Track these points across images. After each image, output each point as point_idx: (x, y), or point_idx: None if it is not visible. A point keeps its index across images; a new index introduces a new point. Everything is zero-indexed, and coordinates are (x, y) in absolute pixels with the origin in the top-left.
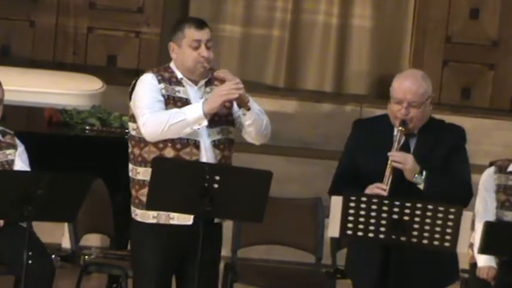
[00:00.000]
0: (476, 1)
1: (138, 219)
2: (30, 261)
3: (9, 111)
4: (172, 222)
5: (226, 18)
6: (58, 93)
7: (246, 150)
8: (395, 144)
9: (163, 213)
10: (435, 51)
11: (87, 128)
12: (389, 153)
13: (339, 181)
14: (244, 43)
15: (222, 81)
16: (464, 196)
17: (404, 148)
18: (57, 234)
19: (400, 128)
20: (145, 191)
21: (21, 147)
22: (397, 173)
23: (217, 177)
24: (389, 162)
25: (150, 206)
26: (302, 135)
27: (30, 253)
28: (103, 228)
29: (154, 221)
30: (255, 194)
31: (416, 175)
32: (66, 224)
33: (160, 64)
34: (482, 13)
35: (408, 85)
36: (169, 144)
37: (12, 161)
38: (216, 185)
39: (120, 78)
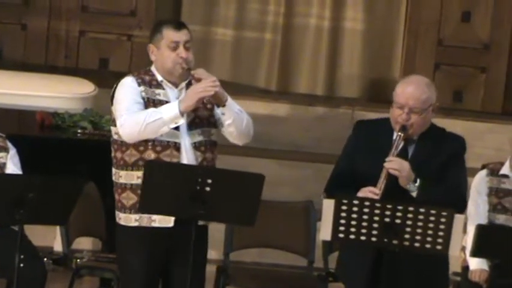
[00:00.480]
0: (468, 4)
1: (122, 222)
2: (22, 265)
3: (1, 114)
4: (153, 224)
5: (219, 21)
6: (50, 96)
7: (238, 154)
8: (393, 149)
9: (145, 216)
10: (427, 54)
11: (79, 131)
12: (386, 159)
13: (334, 182)
14: (237, 46)
15: (200, 81)
16: (457, 208)
17: (403, 154)
18: (49, 238)
19: (400, 133)
20: (126, 194)
21: (12, 151)
22: (392, 179)
23: (210, 181)
24: (384, 166)
25: (142, 209)
26: (294, 138)
27: (22, 256)
28: (95, 232)
29: (136, 224)
30: (247, 197)
31: (410, 183)
32: (58, 227)
33: None
34: (474, 16)
35: (411, 91)
36: (150, 147)
37: (4, 164)
38: (208, 188)
39: (112, 82)
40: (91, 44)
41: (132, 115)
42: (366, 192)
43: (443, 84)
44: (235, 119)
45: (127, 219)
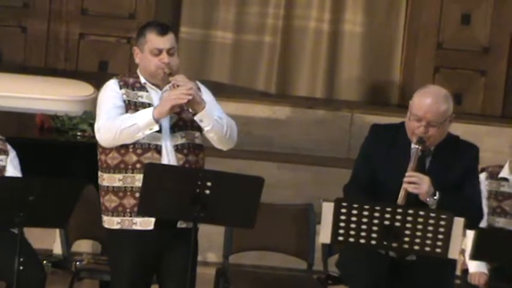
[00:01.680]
0: (467, 7)
1: (106, 225)
2: (21, 268)
3: (1, 117)
4: (135, 227)
5: (218, 24)
6: (49, 99)
7: (238, 156)
8: (411, 163)
9: (126, 219)
10: (426, 58)
11: (79, 134)
12: (406, 174)
13: (355, 184)
14: (236, 49)
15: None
16: (475, 220)
17: (419, 166)
18: (48, 240)
19: (417, 145)
20: (109, 197)
21: (12, 153)
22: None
23: (209, 183)
24: (404, 181)
25: (141, 212)
26: (293, 141)
27: (21, 259)
28: (94, 234)
29: (118, 226)
30: (247, 200)
31: (429, 196)
32: (57, 230)
33: None
34: (473, 19)
35: (429, 104)
36: (131, 150)
37: (4, 167)
38: (207, 191)
39: None
40: (91, 47)
41: (107, 121)
42: None
43: (443, 87)
44: (214, 126)
45: (110, 221)
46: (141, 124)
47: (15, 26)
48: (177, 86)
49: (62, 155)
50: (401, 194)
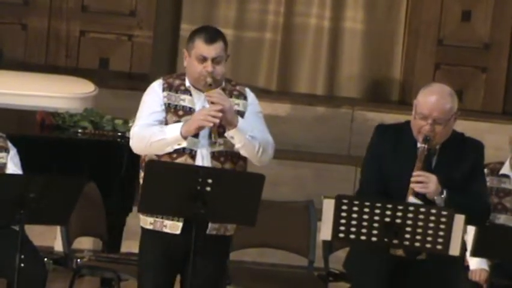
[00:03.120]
0: (468, 3)
1: (141, 224)
2: (22, 265)
3: (1, 114)
4: (164, 230)
5: (219, 21)
6: (50, 96)
7: None
8: (418, 163)
9: (158, 221)
10: (427, 54)
11: (80, 131)
12: (413, 173)
13: (368, 188)
14: (237, 46)
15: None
16: (483, 217)
17: (426, 164)
18: (49, 237)
19: (423, 144)
20: None
21: (13, 151)
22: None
23: (210, 181)
24: (411, 180)
25: (142, 209)
26: (294, 138)
27: (22, 256)
28: (95, 231)
29: (151, 227)
30: (248, 197)
31: (437, 195)
32: (58, 227)
33: (151, 67)
34: (474, 15)
35: (435, 101)
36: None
37: (5, 164)
38: (208, 188)
39: (113, 82)
40: (91, 44)
41: (141, 128)
42: None
43: (444, 84)
44: (245, 144)
45: (144, 221)
46: (169, 139)
47: (15, 23)
48: (211, 102)
49: (63, 152)
50: (409, 194)
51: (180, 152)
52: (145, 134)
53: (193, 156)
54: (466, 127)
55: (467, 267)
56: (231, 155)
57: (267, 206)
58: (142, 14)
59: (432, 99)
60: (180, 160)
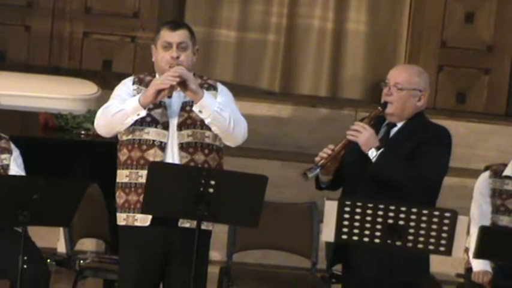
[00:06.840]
0: (471, 5)
1: (117, 222)
2: (25, 266)
3: (4, 115)
4: (136, 224)
5: (222, 23)
6: (53, 97)
7: (241, 155)
8: (366, 119)
9: (130, 215)
10: (430, 56)
11: (83, 132)
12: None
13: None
14: (240, 48)
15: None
16: (418, 188)
17: (385, 136)
18: (52, 239)
19: (379, 107)
20: (118, 193)
21: (16, 152)
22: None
23: (213, 182)
24: (349, 128)
25: (145, 210)
26: (297, 139)
27: (25, 258)
28: (98, 233)
29: (124, 223)
30: (251, 198)
31: (373, 149)
32: (61, 229)
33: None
34: (477, 17)
35: (398, 68)
36: (137, 146)
37: (7, 165)
38: (211, 190)
39: (116, 83)
40: (94, 46)
41: (104, 109)
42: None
43: (447, 85)
44: (215, 117)
45: (119, 218)
46: (128, 110)
47: (19, 25)
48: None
49: (66, 153)
50: (342, 142)
51: (150, 144)
52: (107, 110)
53: (163, 148)
54: (469, 129)
55: (470, 269)
56: (201, 147)
57: (270, 208)
58: (145, 15)
59: (397, 67)
60: (150, 152)
